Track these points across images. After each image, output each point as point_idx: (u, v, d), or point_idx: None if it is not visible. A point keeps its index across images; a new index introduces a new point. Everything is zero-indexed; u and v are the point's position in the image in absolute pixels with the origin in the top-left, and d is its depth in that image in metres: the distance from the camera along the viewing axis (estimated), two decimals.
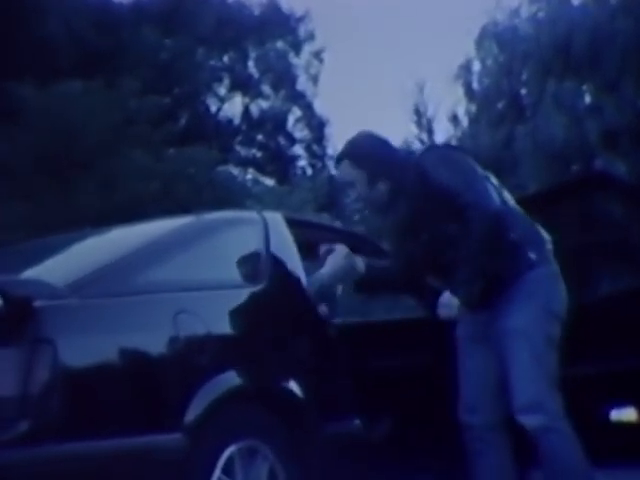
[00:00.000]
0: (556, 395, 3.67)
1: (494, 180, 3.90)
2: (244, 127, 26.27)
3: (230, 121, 26.12)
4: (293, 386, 3.67)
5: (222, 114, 25.94)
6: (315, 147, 27.10)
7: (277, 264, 3.97)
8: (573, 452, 3.64)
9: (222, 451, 3.40)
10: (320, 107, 27.21)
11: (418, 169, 3.81)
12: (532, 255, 3.75)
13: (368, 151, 3.94)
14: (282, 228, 4.13)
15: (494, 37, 21.75)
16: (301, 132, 27.10)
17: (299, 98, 26.51)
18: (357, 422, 3.96)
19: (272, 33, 25.37)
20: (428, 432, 4.49)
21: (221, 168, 19.70)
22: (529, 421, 3.66)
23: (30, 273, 3.48)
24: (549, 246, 3.85)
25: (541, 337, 3.70)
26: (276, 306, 3.89)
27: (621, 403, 4.75)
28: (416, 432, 4.47)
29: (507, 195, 3.92)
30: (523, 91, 21.43)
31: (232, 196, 16.35)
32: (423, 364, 4.69)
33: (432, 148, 3.98)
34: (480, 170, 3.84)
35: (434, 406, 4.60)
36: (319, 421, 3.74)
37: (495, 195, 3.74)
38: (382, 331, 5.01)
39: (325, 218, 15.71)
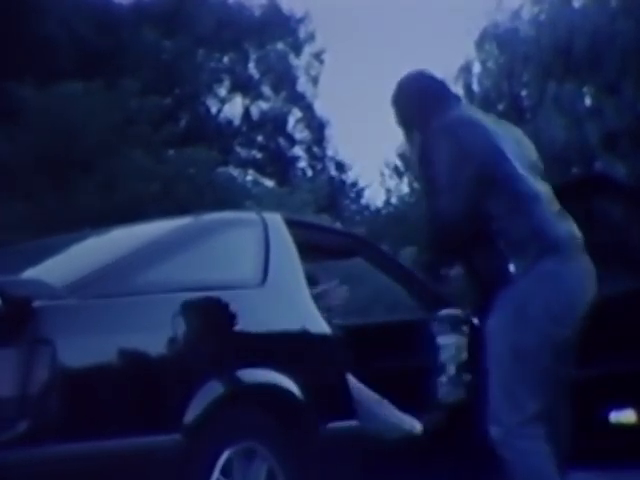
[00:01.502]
0: (516, 408, 3.50)
1: (522, 150, 3.71)
2: (244, 128, 26.27)
3: (230, 122, 26.11)
4: (292, 387, 3.66)
5: (222, 115, 25.94)
6: (315, 148, 27.09)
7: (276, 265, 3.96)
8: (527, 470, 3.49)
9: (221, 452, 3.40)
10: (320, 108, 27.18)
11: (427, 136, 3.69)
12: (512, 269, 3.61)
13: (402, 96, 3.85)
14: (282, 229, 4.12)
15: (495, 39, 21.77)
16: (301, 133, 27.10)
17: (299, 99, 26.51)
18: (355, 422, 3.96)
19: (272, 34, 25.36)
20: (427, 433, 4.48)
21: (221, 169, 19.69)
22: (490, 431, 3.54)
23: (30, 273, 3.48)
24: (562, 242, 3.62)
25: (506, 347, 3.53)
26: (275, 307, 3.89)
27: (620, 405, 4.75)
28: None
29: (526, 177, 3.68)
30: (523, 93, 21.44)
31: (232, 197, 16.33)
32: (424, 366, 4.69)
33: (446, 119, 3.71)
34: (484, 160, 3.59)
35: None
36: (318, 422, 3.74)
37: (471, 200, 3.56)
38: (382, 332, 5.01)
39: (325, 219, 15.69)
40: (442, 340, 3.79)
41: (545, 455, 3.51)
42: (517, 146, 3.80)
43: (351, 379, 4.08)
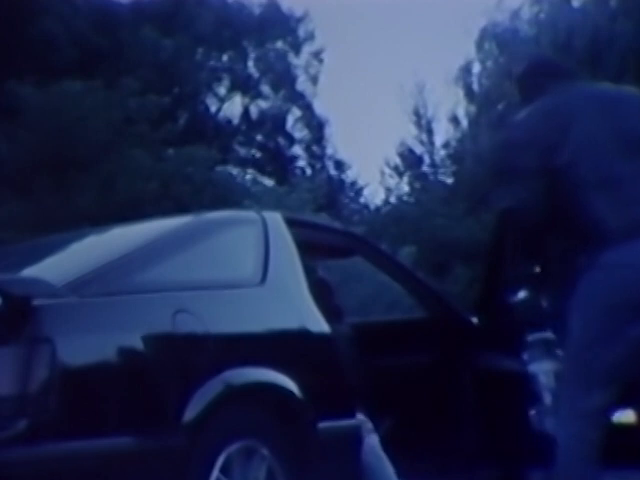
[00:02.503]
0: (567, 399, 3.43)
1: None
2: (243, 127, 26.28)
3: (229, 121, 26.13)
4: (291, 386, 3.66)
5: (222, 114, 25.96)
6: (314, 147, 27.11)
7: (276, 264, 3.96)
8: (560, 462, 3.41)
9: (220, 451, 3.39)
10: (319, 107, 27.20)
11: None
12: (580, 264, 3.45)
13: (519, 73, 3.84)
14: (281, 228, 4.12)
15: (494, 38, 21.81)
16: (300, 132, 27.11)
17: (298, 98, 26.52)
18: (355, 421, 3.96)
19: (272, 33, 25.37)
20: (428, 432, 4.49)
21: (220, 168, 19.70)
22: None
23: (29, 272, 3.48)
24: (626, 231, 3.40)
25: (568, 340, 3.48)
26: (275, 306, 3.89)
27: (620, 405, 4.75)
28: (416, 432, 4.47)
29: (595, 162, 3.47)
30: None
31: (231, 196, 16.34)
32: (423, 365, 4.70)
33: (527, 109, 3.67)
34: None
35: (433, 406, 4.60)
36: (317, 420, 3.74)
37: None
38: (382, 331, 5.02)
39: (324, 218, 15.69)
40: (535, 367, 3.55)
41: (578, 454, 3.41)
42: (621, 120, 3.59)
43: (370, 441, 4.07)
